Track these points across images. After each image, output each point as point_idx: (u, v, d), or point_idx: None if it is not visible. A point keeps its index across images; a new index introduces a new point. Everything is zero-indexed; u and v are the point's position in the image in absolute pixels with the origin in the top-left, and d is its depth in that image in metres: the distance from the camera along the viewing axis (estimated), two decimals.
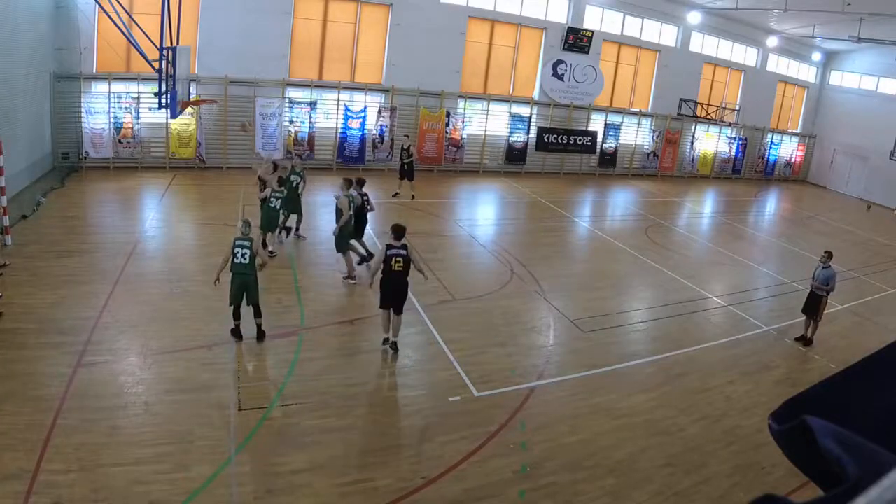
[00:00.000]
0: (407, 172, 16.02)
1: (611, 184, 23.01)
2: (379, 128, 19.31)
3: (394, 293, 7.73)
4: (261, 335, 7.90)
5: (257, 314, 7.85)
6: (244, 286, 7.67)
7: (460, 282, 10.82)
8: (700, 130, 25.97)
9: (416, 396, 7.15)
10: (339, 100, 18.54)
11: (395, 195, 16.25)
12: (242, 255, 7.59)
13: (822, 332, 10.15)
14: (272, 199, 10.47)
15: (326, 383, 7.09)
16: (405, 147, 16.14)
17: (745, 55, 26.54)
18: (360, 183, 10.83)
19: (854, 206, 25.54)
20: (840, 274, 14.38)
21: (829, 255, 9.88)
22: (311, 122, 18.30)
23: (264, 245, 10.28)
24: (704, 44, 25.19)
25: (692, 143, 25.95)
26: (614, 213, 19.44)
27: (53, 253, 10.09)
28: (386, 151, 19.62)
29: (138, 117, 16.21)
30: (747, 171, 28.18)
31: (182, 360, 7.21)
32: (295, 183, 11.61)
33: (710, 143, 26.50)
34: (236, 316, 7.74)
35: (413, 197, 16.01)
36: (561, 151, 22.86)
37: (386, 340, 7.97)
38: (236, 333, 7.77)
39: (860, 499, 0.69)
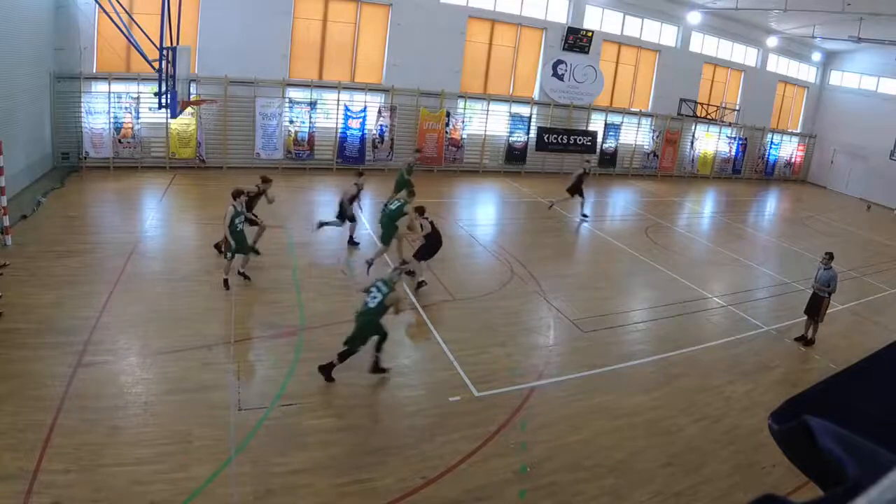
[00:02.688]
0: (579, 189, 16.35)
1: (611, 184, 23.01)
2: (379, 128, 19.31)
3: None
4: (376, 369, 7.22)
5: (378, 348, 7.16)
6: (367, 329, 6.93)
7: (460, 282, 10.82)
8: (700, 130, 25.97)
9: (416, 396, 7.15)
10: (339, 100, 18.54)
11: (552, 206, 16.52)
12: (373, 298, 6.94)
13: (822, 332, 10.15)
14: (237, 223, 9.34)
15: (326, 383, 7.08)
16: (587, 170, 16.73)
17: (745, 55, 26.54)
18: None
19: (854, 206, 25.54)
20: (840, 274, 14.38)
21: (830, 256, 9.86)
22: (311, 122, 18.30)
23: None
24: (704, 44, 25.19)
25: (692, 143, 25.95)
26: (614, 213, 19.44)
27: (53, 253, 10.09)
28: (386, 151, 19.62)
29: (138, 117, 16.20)
30: (747, 171, 28.18)
31: (182, 360, 7.21)
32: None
33: (710, 143, 26.50)
34: (344, 358, 6.92)
35: (552, 205, 16.51)
36: (561, 151, 22.86)
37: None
38: (329, 373, 7.00)
39: (860, 499, 0.69)
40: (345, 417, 6.51)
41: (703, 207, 22.27)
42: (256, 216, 10.19)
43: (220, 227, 11.44)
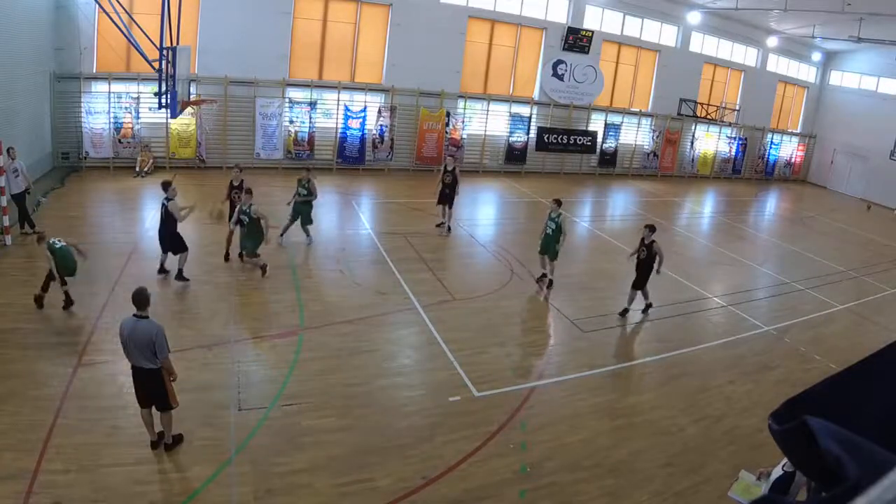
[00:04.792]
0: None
1: (611, 184, 23.01)
2: (379, 128, 19.31)
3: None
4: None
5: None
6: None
7: (460, 282, 10.83)
8: (700, 130, 25.97)
9: (416, 396, 7.15)
10: (339, 100, 18.54)
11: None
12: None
13: (822, 332, 10.14)
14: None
15: (326, 383, 7.09)
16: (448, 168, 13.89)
17: (745, 55, 26.55)
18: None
19: (854, 206, 25.54)
20: (840, 274, 14.45)
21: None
22: (311, 122, 18.30)
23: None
24: (704, 44, 25.19)
25: (692, 143, 25.96)
26: (614, 213, 19.44)
27: None
28: (386, 151, 19.62)
29: (138, 117, 16.22)
30: (747, 171, 28.18)
31: (182, 360, 7.17)
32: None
33: (710, 143, 26.50)
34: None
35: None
36: (561, 151, 22.87)
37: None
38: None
39: (860, 499, 0.69)
40: (345, 417, 6.51)
41: (703, 207, 22.27)
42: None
43: (219, 227, 11.43)
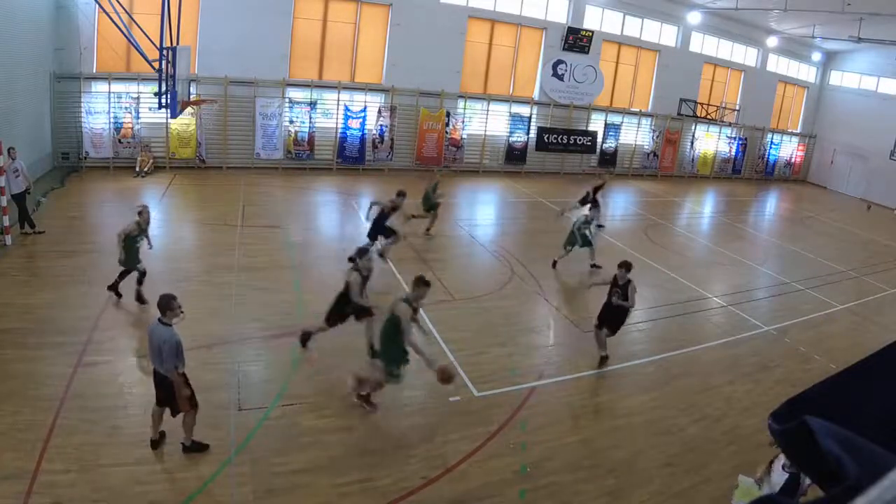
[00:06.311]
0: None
1: (611, 184, 22.94)
2: (379, 128, 19.31)
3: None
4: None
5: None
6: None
7: (460, 282, 10.82)
8: (700, 130, 25.98)
9: (416, 396, 7.15)
10: (339, 100, 18.54)
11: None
12: None
13: (822, 332, 10.11)
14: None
15: (326, 383, 7.08)
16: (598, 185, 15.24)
17: (745, 55, 26.55)
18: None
19: (854, 206, 25.55)
20: (840, 274, 14.44)
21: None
22: (311, 122, 18.30)
23: None
24: (704, 44, 25.20)
25: (692, 143, 25.96)
26: (614, 213, 19.42)
27: (53, 253, 10.09)
28: (386, 151, 19.63)
29: (138, 117, 16.22)
30: (747, 171, 28.19)
31: None
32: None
33: (710, 143, 26.51)
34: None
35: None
36: (561, 151, 22.87)
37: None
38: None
39: (860, 499, 0.69)
40: (345, 417, 6.50)
41: (703, 207, 22.27)
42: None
43: (219, 227, 11.40)
